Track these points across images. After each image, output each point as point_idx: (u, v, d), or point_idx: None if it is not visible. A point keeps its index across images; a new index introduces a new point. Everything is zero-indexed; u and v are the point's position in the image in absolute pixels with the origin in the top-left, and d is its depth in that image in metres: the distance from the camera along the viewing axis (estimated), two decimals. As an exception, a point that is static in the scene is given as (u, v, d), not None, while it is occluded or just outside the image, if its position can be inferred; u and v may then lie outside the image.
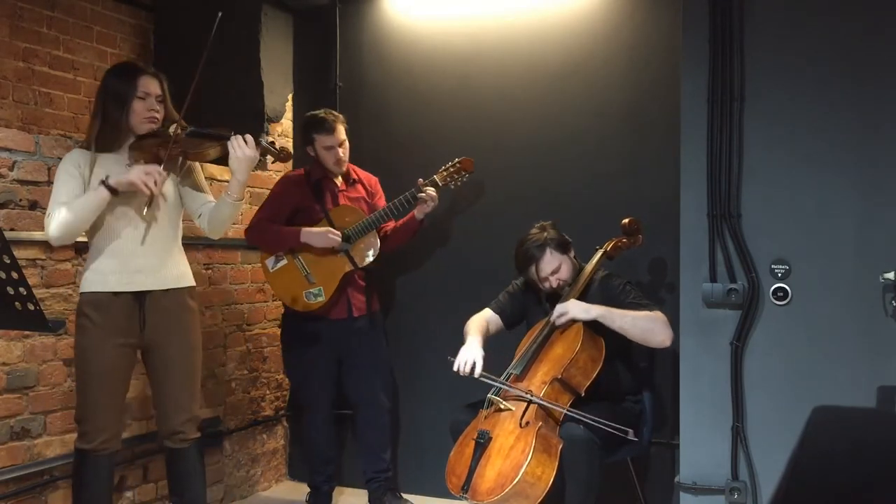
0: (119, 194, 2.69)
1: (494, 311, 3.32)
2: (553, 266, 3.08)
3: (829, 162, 2.72)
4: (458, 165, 3.56)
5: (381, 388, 3.70)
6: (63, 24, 3.87)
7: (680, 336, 2.91)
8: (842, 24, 2.70)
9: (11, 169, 2.92)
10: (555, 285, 3.11)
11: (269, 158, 2.96)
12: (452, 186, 3.59)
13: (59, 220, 2.64)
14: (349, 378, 3.69)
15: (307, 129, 3.57)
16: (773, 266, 2.78)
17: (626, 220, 3.22)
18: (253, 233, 3.60)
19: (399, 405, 3.97)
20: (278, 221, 3.56)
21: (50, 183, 3.04)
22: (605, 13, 3.63)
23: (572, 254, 3.17)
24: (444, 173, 3.55)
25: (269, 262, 3.58)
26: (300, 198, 3.59)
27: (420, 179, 3.52)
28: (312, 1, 4.19)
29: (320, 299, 3.52)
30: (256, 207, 4.00)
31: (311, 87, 4.25)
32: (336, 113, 3.60)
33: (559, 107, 3.72)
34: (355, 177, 3.70)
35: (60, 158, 3.05)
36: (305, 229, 3.49)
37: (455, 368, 2.99)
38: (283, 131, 4.23)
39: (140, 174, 2.66)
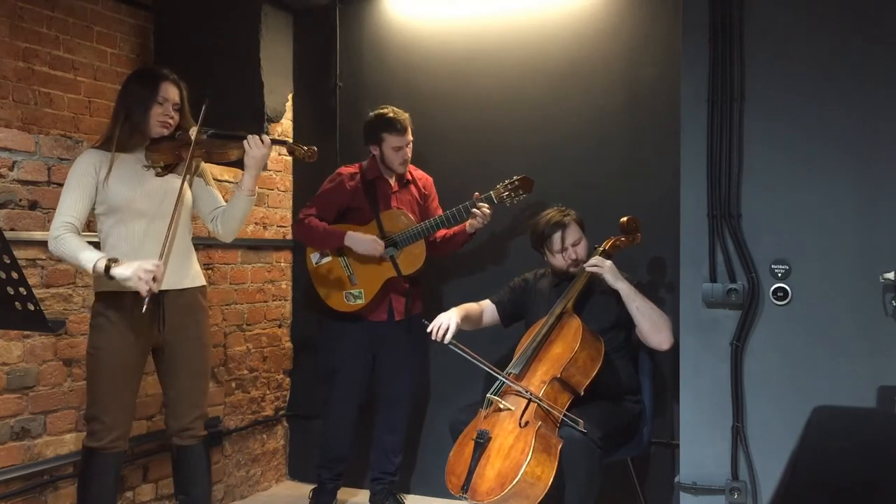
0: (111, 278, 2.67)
1: (492, 301, 3.36)
2: (575, 237, 3.18)
3: (829, 162, 2.72)
4: (515, 183, 3.45)
5: (407, 393, 3.69)
6: (63, 24, 3.87)
7: (680, 336, 2.91)
8: (842, 24, 2.70)
9: (11, 169, 2.92)
10: (574, 257, 3.17)
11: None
12: (508, 204, 3.48)
13: (57, 248, 2.68)
14: (381, 378, 3.68)
15: (376, 128, 3.52)
16: (773, 266, 2.78)
17: (624, 219, 3.23)
18: (300, 227, 3.60)
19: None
20: (327, 218, 3.55)
21: (50, 183, 3.04)
22: (605, 13, 3.63)
23: (586, 237, 3.23)
24: (501, 189, 3.45)
25: (314, 256, 3.59)
26: (352, 196, 3.57)
27: (476, 193, 3.45)
28: (312, 1, 4.19)
29: (359, 301, 3.52)
30: (259, 207, 4.00)
31: (311, 87, 4.26)
32: (405, 113, 3.55)
33: (559, 107, 3.72)
34: (409, 177, 3.67)
35: (61, 158, 3.06)
36: (350, 232, 3.48)
37: (428, 330, 3.06)
38: (283, 131, 4.23)
39: (140, 273, 2.62)
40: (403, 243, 3.49)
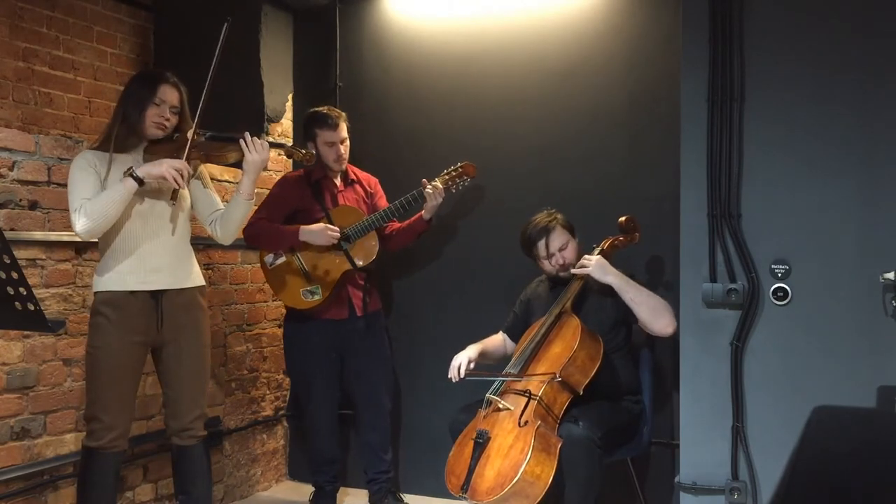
0: (145, 185, 2.74)
1: (504, 331, 3.39)
2: (561, 242, 3.16)
3: (829, 162, 2.72)
4: (459, 170, 3.56)
5: (383, 388, 3.70)
6: (63, 24, 3.88)
7: (680, 336, 2.91)
8: (842, 24, 2.70)
9: (11, 169, 2.93)
10: (560, 262, 3.16)
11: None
12: (454, 190, 3.58)
13: (87, 214, 2.67)
14: (351, 378, 3.69)
15: (309, 124, 3.56)
16: (773, 266, 2.78)
17: (622, 218, 3.23)
18: (252, 231, 3.57)
19: (399, 405, 3.97)
20: (276, 222, 3.56)
21: (50, 183, 3.04)
22: (605, 13, 3.63)
23: (577, 240, 3.22)
24: (446, 177, 3.54)
25: (268, 258, 3.58)
26: (300, 198, 3.59)
27: (424, 180, 3.51)
28: (312, 1, 4.19)
29: (317, 297, 3.52)
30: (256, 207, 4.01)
31: (311, 87, 4.26)
32: (339, 110, 3.61)
33: (559, 107, 3.72)
34: (354, 177, 3.71)
35: (61, 158, 3.07)
36: (304, 227, 3.48)
37: (450, 377, 3.09)
38: (283, 131, 4.24)
39: (169, 168, 2.70)
40: (356, 236, 3.52)
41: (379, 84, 4.09)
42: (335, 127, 3.52)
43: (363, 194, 3.71)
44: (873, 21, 2.67)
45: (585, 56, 3.67)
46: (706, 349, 2.85)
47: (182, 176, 2.72)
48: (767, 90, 2.79)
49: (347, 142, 3.60)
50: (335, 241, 3.46)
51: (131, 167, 2.71)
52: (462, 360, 3.10)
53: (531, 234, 3.20)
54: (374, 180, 3.79)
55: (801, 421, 2.58)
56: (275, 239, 3.54)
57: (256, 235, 3.57)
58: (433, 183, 3.50)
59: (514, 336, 3.34)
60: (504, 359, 3.34)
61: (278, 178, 4.19)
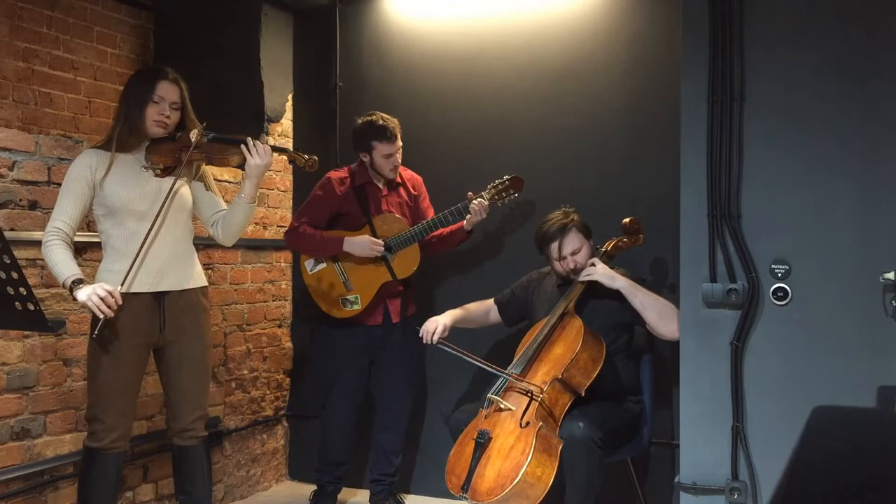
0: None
1: (496, 301, 3.37)
2: (574, 246, 3.15)
3: (829, 162, 2.72)
4: (506, 183, 3.49)
5: (408, 393, 3.69)
6: (63, 24, 3.87)
7: (680, 336, 2.91)
8: (842, 23, 2.70)
9: (11, 169, 2.93)
10: (571, 266, 3.15)
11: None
12: (499, 204, 3.52)
13: (47, 249, 2.69)
14: (378, 379, 3.68)
15: (366, 135, 3.48)
16: (773, 266, 2.77)
17: (626, 220, 3.23)
18: (293, 236, 3.55)
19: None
20: (319, 225, 3.54)
21: (50, 183, 3.04)
22: (605, 13, 3.63)
23: (591, 243, 3.21)
24: (493, 190, 3.48)
25: (308, 264, 3.57)
26: (343, 201, 3.55)
27: (470, 193, 3.47)
28: (312, 1, 4.20)
29: (356, 307, 3.51)
30: (259, 207, 4.00)
31: (311, 87, 4.26)
32: (394, 119, 3.52)
33: (559, 107, 3.72)
34: (398, 179, 3.64)
35: (61, 158, 3.07)
36: (348, 238, 3.46)
37: (420, 335, 3.15)
38: (282, 131, 4.23)
39: (92, 294, 2.61)
40: (398, 247, 3.49)
41: (379, 84, 4.09)
42: (394, 139, 3.47)
43: (406, 198, 3.65)
44: (874, 20, 2.66)
45: (585, 56, 3.67)
46: (706, 349, 2.85)
47: (109, 305, 2.61)
48: (767, 90, 2.78)
49: (401, 150, 3.55)
50: (377, 254, 3.44)
51: (81, 281, 2.66)
52: (438, 326, 3.14)
53: (546, 234, 3.17)
54: (418, 179, 3.72)
55: (801, 421, 2.58)
56: (317, 246, 3.51)
57: (298, 240, 3.55)
58: (479, 199, 3.44)
59: (503, 310, 3.34)
60: (482, 329, 3.35)
61: (279, 178, 4.20)
